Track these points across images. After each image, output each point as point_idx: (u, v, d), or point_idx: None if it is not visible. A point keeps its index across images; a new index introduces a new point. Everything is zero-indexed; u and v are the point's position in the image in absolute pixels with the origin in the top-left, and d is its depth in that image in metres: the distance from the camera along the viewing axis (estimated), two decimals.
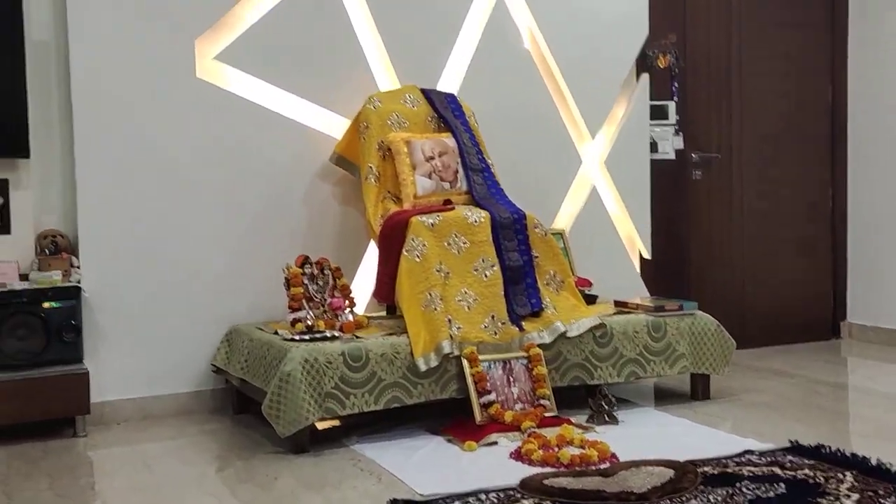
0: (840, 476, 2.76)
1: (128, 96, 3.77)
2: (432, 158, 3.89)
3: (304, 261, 3.71)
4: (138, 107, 3.79)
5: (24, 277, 3.63)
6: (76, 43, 3.69)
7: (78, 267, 3.71)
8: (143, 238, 3.81)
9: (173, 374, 3.86)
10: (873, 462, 2.86)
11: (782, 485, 2.69)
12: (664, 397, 4.07)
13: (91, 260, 3.73)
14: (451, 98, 4.21)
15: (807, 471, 2.82)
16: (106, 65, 3.74)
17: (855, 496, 2.58)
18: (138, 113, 3.79)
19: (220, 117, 3.93)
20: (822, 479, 2.74)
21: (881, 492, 2.61)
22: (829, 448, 3.03)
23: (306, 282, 3.67)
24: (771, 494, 2.62)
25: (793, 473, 2.80)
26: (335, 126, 4.12)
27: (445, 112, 4.10)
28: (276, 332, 3.53)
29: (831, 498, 2.57)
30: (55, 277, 3.59)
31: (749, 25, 5.22)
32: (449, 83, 4.39)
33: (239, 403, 3.84)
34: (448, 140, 3.97)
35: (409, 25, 4.28)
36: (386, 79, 4.25)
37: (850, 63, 5.47)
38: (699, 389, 3.97)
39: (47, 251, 3.69)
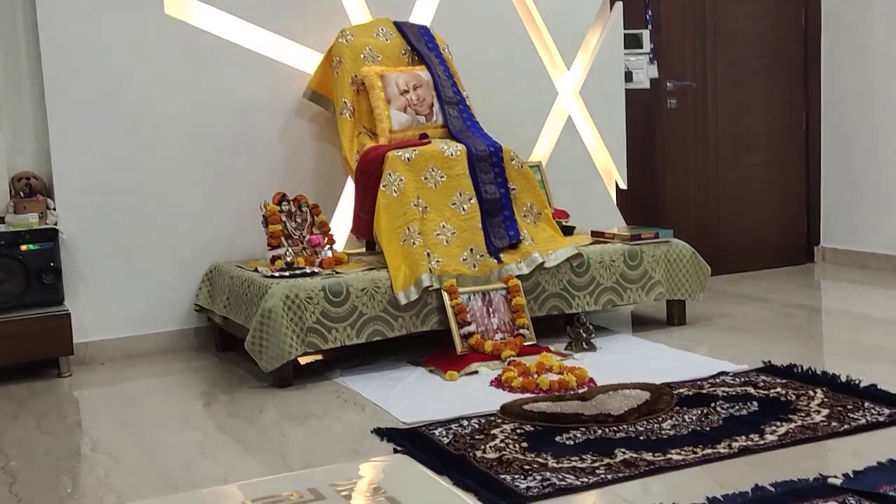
0: (811, 393, 2.85)
1: (96, 35, 3.71)
2: (407, 92, 3.87)
3: (282, 198, 3.71)
4: (107, 45, 3.74)
5: None
6: None
7: (54, 209, 3.69)
8: (118, 178, 3.79)
9: (155, 313, 3.88)
10: (843, 379, 2.95)
11: (755, 403, 2.78)
12: (641, 324, 4.15)
13: (67, 201, 3.71)
14: (424, 30, 4.17)
15: (779, 389, 2.90)
16: (72, 3, 3.66)
17: (825, 411, 2.67)
18: (107, 51, 3.74)
19: (191, 54, 3.88)
20: (793, 396, 2.83)
21: (850, 406, 2.70)
22: (801, 367, 3.12)
23: (284, 219, 3.68)
24: (744, 412, 2.70)
25: (765, 392, 2.88)
26: (308, 61, 4.08)
27: (419, 45, 4.06)
28: (255, 270, 3.55)
29: (802, 414, 2.66)
30: (32, 220, 3.58)
31: None
32: (421, 15, 4.34)
33: (222, 341, 3.88)
34: (422, 73, 3.95)
35: None
36: (358, 12, 4.20)
37: None
38: (675, 315, 4.05)
39: (22, 194, 3.66)
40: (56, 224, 3.64)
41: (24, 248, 3.52)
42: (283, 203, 3.70)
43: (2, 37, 3.63)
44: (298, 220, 3.73)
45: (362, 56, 3.93)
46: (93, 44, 3.71)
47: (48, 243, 3.56)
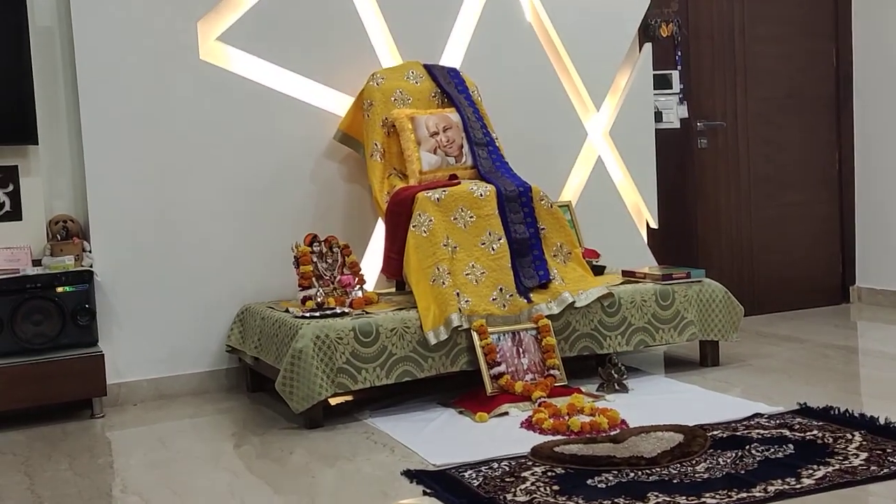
0: (849, 436, 2.78)
1: (133, 80, 3.80)
2: (437, 134, 3.90)
3: (313, 239, 3.74)
4: (144, 90, 3.82)
5: (36, 263, 3.67)
6: (80, 28, 3.71)
7: (89, 251, 3.75)
8: (152, 221, 3.85)
9: (187, 354, 3.91)
10: (882, 422, 2.89)
11: (791, 446, 2.72)
12: (674, 365, 4.10)
13: (102, 243, 3.77)
14: (453, 73, 4.21)
15: (815, 432, 2.85)
16: (110, 50, 3.76)
17: (863, 455, 2.61)
18: (144, 96, 3.82)
19: (225, 98, 3.95)
20: (830, 439, 2.77)
21: (889, 450, 2.64)
22: (838, 409, 3.06)
23: (315, 260, 3.70)
24: (780, 455, 2.65)
25: (801, 435, 2.83)
26: (339, 104, 4.14)
27: (449, 87, 4.10)
28: (287, 310, 3.57)
29: (840, 457, 2.60)
30: (68, 262, 3.63)
31: None
32: (451, 58, 4.39)
33: (253, 381, 3.89)
34: (452, 115, 3.98)
35: (411, 1, 4.28)
36: (388, 55, 4.26)
37: (855, 24, 5.44)
38: (708, 356, 4.00)
39: (59, 236, 3.73)
40: (91, 266, 3.69)
41: (59, 290, 3.57)
42: (315, 244, 3.73)
43: (40, 78, 3.72)
44: (329, 260, 3.75)
45: (393, 99, 3.98)
46: (130, 89, 3.79)
47: (83, 285, 3.61)
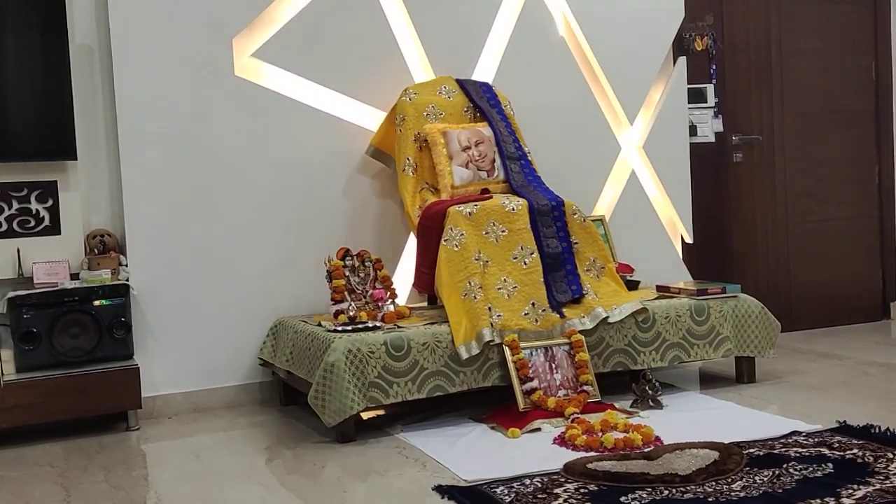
0: (890, 455, 2.72)
1: (169, 96, 3.85)
2: (469, 148, 3.91)
3: (345, 253, 3.75)
4: (180, 106, 3.87)
5: (74, 276, 3.72)
6: (119, 46, 3.78)
7: (126, 265, 3.80)
8: (188, 235, 3.89)
9: (221, 367, 3.94)
10: None
11: (830, 465, 2.67)
12: (709, 381, 4.05)
13: (138, 258, 3.82)
14: (486, 87, 4.22)
15: (855, 451, 2.79)
16: (147, 67, 3.81)
17: None
18: (180, 112, 3.87)
19: (260, 114, 3.99)
20: (870, 458, 2.71)
21: None
22: (879, 428, 3.00)
23: (348, 274, 3.72)
24: (818, 474, 2.59)
25: (841, 454, 2.77)
26: (371, 119, 4.16)
27: (481, 101, 4.11)
28: (319, 324, 3.58)
29: (881, 477, 2.54)
30: (105, 276, 3.68)
31: (787, 2, 5.15)
32: (484, 73, 4.40)
33: (286, 395, 3.90)
34: (484, 129, 3.98)
35: (443, 16, 4.30)
36: (421, 70, 4.28)
37: (894, 36, 5.36)
38: (744, 372, 3.94)
39: (96, 250, 3.78)
40: (127, 280, 3.74)
41: (96, 303, 3.62)
42: (347, 258, 3.74)
43: (79, 95, 3.78)
44: (361, 274, 3.76)
45: (425, 114, 3.99)
46: (166, 106, 3.85)
47: (120, 299, 3.65)
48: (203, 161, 3.91)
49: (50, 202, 3.75)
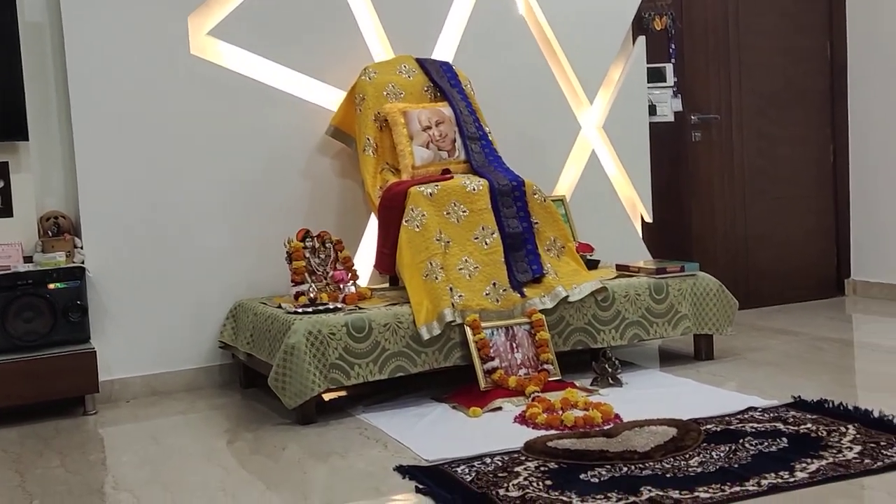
0: (842, 429, 2.78)
1: (123, 75, 3.78)
2: (429, 128, 3.89)
3: (306, 234, 3.72)
4: (134, 85, 3.80)
5: (28, 259, 3.66)
6: (70, 23, 3.69)
7: (81, 247, 3.73)
8: (144, 217, 3.83)
9: (180, 350, 3.90)
10: (875, 415, 2.88)
11: (784, 439, 2.72)
12: (668, 359, 4.09)
13: (94, 240, 3.75)
14: (446, 67, 4.19)
15: (809, 425, 2.84)
16: (100, 45, 3.73)
17: (857, 448, 2.60)
18: (135, 91, 3.80)
19: (216, 93, 3.93)
20: (824, 432, 2.76)
21: (883, 443, 2.63)
22: (832, 402, 3.05)
23: (308, 255, 3.69)
24: (773, 449, 2.64)
25: (795, 428, 2.82)
26: (331, 99, 4.12)
27: (441, 81, 4.09)
28: (279, 306, 3.55)
29: (834, 450, 2.59)
30: (59, 258, 3.62)
31: None
32: (444, 52, 4.38)
33: (246, 378, 3.88)
34: (444, 109, 3.97)
35: None
36: (380, 49, 4.24)
37: (849, 18, 5.43)
38: (703, 350, 3.99)
39: (50, 233, 3.71)
40: (83, 262, 3.67)
41: (51, 286, 3.56)
42: (307, 239, 3.71)
43: (30, 74, 3.70)
44: (322, 256, 3.74)
45: (385, 93, 3.96)
46: (121, 85, 3.77)
47: (75, 282, 3.59)
48: (159, 141, 3.85)
49: (1, 184, 3.67)
